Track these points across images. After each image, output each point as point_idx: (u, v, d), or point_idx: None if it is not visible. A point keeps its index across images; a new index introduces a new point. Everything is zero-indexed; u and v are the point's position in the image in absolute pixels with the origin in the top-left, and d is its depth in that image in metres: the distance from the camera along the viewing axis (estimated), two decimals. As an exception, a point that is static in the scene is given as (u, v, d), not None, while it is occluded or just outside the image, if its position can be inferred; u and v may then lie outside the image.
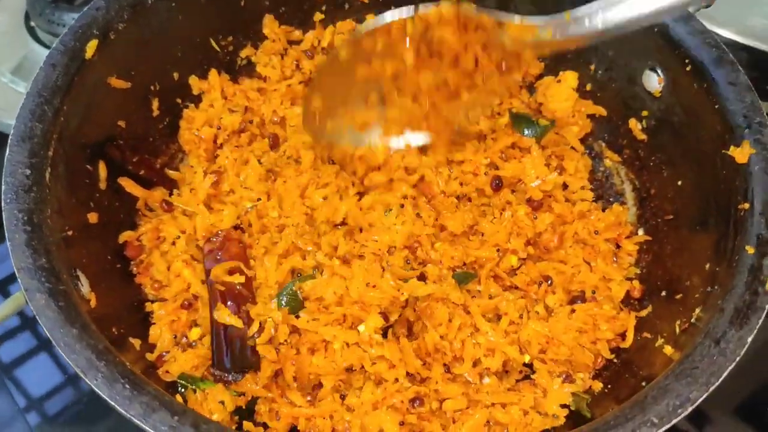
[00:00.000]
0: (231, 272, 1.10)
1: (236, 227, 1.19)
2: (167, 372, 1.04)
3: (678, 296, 1.10)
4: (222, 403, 1.00)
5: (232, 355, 1.05)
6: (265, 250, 1.15)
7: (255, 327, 1.07)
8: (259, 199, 1.20)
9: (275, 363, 1.06)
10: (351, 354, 1.05)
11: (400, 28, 1.07)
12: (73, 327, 0.85)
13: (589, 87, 1.36)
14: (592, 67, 1.33)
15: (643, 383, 0.95)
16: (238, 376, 1.06)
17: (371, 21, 1.10)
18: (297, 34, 1.42)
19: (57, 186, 1.01)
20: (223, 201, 1.22)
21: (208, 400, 1.00)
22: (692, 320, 1.01)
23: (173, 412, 0.80)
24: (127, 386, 0.81)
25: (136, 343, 1.05)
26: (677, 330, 1.03)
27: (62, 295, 0.89)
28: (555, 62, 1.38)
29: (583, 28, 0.98)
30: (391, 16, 1.06)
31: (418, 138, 1.18)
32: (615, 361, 1.12)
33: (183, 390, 1.03)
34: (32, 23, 1.63)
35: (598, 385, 1.09)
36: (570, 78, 1.34)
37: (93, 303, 0.98)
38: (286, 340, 1.07)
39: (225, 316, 1.06)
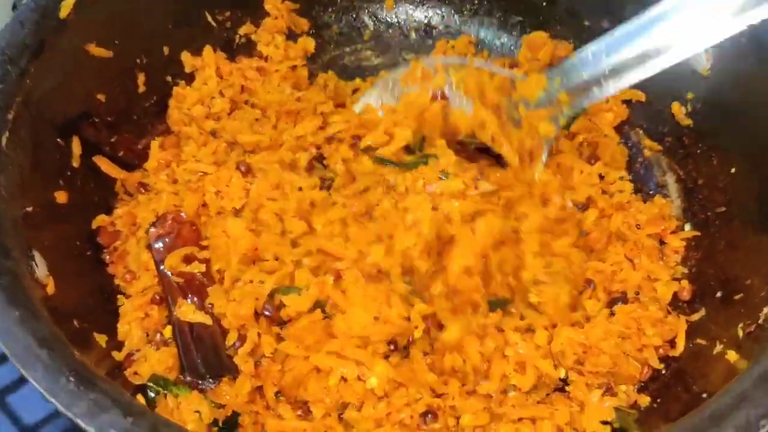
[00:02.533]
0: (187, 260, 0.95)
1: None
2: (136, 374, 0.89)
3: (737, 296, 0.95)
4: (198, 413, 0.85)
5: (205, 357, 0.89)
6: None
7: (233, 336, 0.92)
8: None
9: (255, 378, 0.90)
10: (349, 390, 0.89)
11: None
12: (16, 309, 0.71)
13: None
14: (629, 46, 1.19)
15: (704, 395, 0.80)
16: (216, 382, 0.90)
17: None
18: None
19: (18, 154, 0.89)
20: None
21: (181, 409, 0.84)
22: (759, 321, 0.86)
23: (127, 413, 0.64)
24: (72, 380, 0.66)
25: (102, 339, 0.90)
26: (741, 333, 0.88)
27: (8, 273, 0.75)
28: (584, 42, 1.24)
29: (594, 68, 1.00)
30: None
31: None
32: (663, 372, 0.96)
33: (154, 395, 0.87)
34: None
35: (644, 399, 0.93)
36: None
37: (51, 289, 0.84)
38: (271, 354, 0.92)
39: (189, 313, 0.91)
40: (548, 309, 0.98)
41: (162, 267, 0.94)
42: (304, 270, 0.94)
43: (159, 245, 0.96)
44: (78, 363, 0.69)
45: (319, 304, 0.93)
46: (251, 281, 0.94)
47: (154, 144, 1.10)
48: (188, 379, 0.89)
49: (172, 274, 0.93)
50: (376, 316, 0.89)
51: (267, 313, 0.92)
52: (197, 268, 0.94)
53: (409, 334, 0.92)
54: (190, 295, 0.92)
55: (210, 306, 0.92)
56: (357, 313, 0.89)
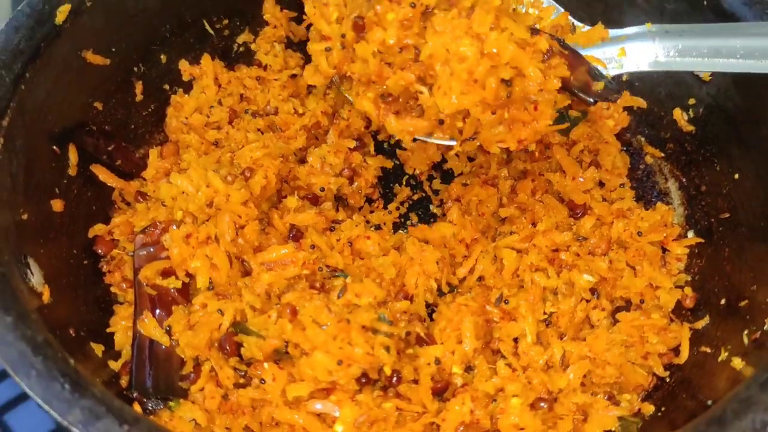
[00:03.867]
0: (165, 274, 0.93)
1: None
2: (131, 383, 0.87)
3: (742, 303, 0.93)
4: (194, 421, 0.83)
5: (156, 377, 0.87)
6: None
7: (189, 366, 0.90)
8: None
9: (223, 414, 0.88)
10: None
11: None
12: (7, 315, 0.69)
13: (625, 77, 1.21)
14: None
15: (709, 403, 0.78)
16: (159, 404, 0.88)
17: None
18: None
19: (12, 161, 0.88)
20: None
21: (176, 418, 0.83)
22: (765, 327, 0.85)
23: (122, 420, 0.63)
24: (67, 386, 0.65)
25: (98, 348, 0.89)
26: (746, 340, 0.86)
27: None
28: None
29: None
30: None
31: None
32: (668, 380, 0.94)
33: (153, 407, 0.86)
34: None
35: (648, 408, 0.91)
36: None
37: (46, 297, 0.83)
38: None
39: (151, 328, 0.89)
40: (562, 321, 0.97)
41: (138, 275, 0.92)
42: (263, 318, 0.90)
43: (142, 253, 0.94)
44: (72, 370, 0.67)
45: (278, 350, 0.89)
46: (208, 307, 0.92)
47: (153, 153, 1.09)
48: (134, 394, 0.87)
49: (146, 285, 0.91)
50: (339, 359, 0.85)
51: (225, 348, 0.89)
52: (172, 283, 0.92)
53: (379, 366, 0.88)
54: (158, 310, 0.90)
55: (168, 328, 0.90)
56: (320, 357, 0.84)
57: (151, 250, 0.94)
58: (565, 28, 1.04)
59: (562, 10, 1.06)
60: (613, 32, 1.02)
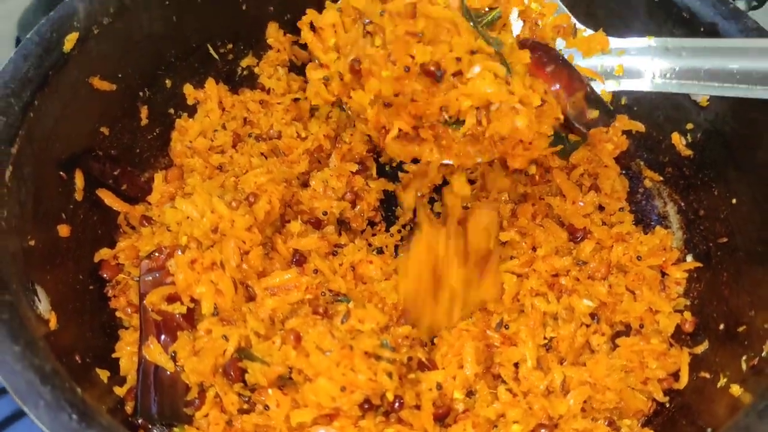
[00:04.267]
0: (171, 299, 0.93)
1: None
2: (137, 409, 0.88)
3: (740, 329, 0.94)
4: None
5: (161, 403, 0.88)
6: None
7: (194, 392, 0.90)
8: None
9: None
10: None
11: None
12: (16, 344, 0.70)
13: (624, 101, 1.22)
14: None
15: (709, 430, 0.79)
16: (164, 430, 0.89)
17: None
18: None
19: (20, 188, 0.89)
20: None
21: (183, 444, 0.84)
22: (763, 354, 0.85)
23: (129, 451, 0.64)
24: (75, 416, 0.66)
25: (104, 374, 0.90)
26: (744, 367, 0.87)
27: (7, 306, 0.75)
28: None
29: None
30: None
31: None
32: (668, 405, 0.95)
33: (156, 432, 0.87)
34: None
35: (649, 434, 0.92)
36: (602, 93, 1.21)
37: (53, 324, 0.84)
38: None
39: (156, 354, 0.90)
40: (562, 346, 0.98)
41: (144, 301, 0.93)
42: (267, 344, 0.91)
43: (148, 278, 0.95)
44: (80, 400, 0.68)
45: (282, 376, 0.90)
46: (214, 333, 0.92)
47: (158, 177, 1.10)
48: (139, 420, 0.88)
49: (151, 310, 0.92)
50: (343, 386, 0.86)
51: (230, 374, 0.90)
52: (178, 309, 0.93)
53: (381, 392, 0.89)
54: (163, 335, 0.91)
55: (174, 354, 0.91)
56: (323, 383, 0.86)
57: (157, 275, 0.94)
58: (567, 30, 1.03)
59: (566, 9, 1.06)
60: (614, 43, 1.02)
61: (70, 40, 0.97)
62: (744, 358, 0.88)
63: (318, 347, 0.87)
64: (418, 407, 0.92)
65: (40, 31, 0.97)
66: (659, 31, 1.10)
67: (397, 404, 0.90)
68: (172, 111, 1.20)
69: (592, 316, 1.02)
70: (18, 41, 1.54)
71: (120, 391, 0.91)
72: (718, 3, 1.04)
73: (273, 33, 1.27)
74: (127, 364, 0.93)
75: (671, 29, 1.09)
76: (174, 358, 0.90)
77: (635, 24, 1.13)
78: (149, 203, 1.10)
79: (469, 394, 0.97)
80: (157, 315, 0.92)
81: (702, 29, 1.04)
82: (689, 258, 1.11)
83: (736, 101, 1.05)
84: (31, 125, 0.92)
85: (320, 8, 1.13)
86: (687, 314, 1.04)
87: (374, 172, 1.22)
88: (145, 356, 0.90)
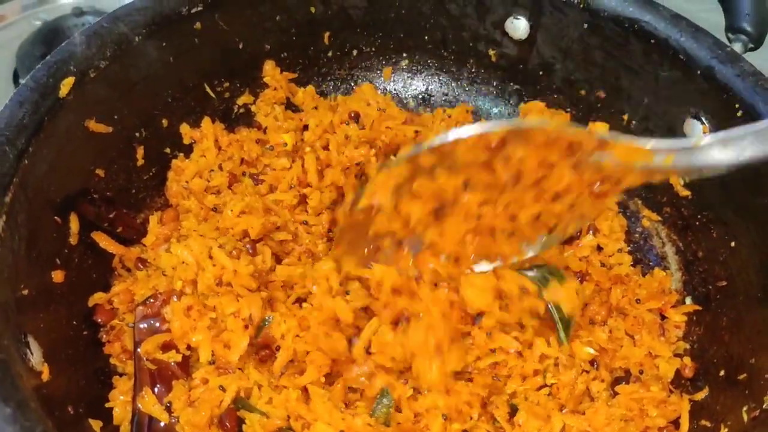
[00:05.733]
0: (166, 347, 0.92)
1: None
2: (130, 461, 0.87)
3: (741, 377, 0.93)
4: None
5: None
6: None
7: None
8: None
9: None
10: None
11: (470, 146, 0.86)
12: (7, 405, 0.69)
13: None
14: (626, 116, 1.20)
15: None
16: None
17: (434, 139, 0.88)
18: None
19: (14, 238, 0.87)
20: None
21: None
22: (764, 406, 0.84)
23: None
24: (66, 483, 0.64)
25: (96, 425, 0.88)
26: (745, 417, 0.86)
27: (-1, 365, 0.73)
28: (583, 112, 1.25)
29: (713, 159, 0.81)
30: (458, 134, 0.86)
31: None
32: (668, 455, 0.94)
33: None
34: (21, 81, 1.52)
35: (648, 485, 0.91)
36: (600, 128, 1.20)
37: (45, 376, 0.83)
38: None
39: (150, 405, 0.88)
40: (563, 393, 0.97)
41: (138, 349, 0.92)
42: (267, 389, 0.91)
43: (143, 326, 0.94)
44: (70, 464, 0.67)
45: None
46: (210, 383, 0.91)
47: (153, 219, 1.10)
48: None
49: (146, 359, 0.91)
50: (341, 430, 0.86)
51: (225, 425, 0.89)
52: (173, 357, 0.92)
53: None
54: (158, 385, 0.90)
55: (169, 404, 0.89)
56: (322, 429, 0.86)
57: (152, 322, 0.93)
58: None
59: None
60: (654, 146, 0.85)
61: (66, 85, 0.97)
62: (745, 408, 0.87)
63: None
64: None
65: (35, 76, 0.96)
66: (655, 72, 1.10)
67: None
68: (168, 150, 1.19)
69: (592, 362, 1.01)
70: (16, 73, 1.54)
71: (113, 442, 0.89)
72: (714, 46, 1.04)
73: (270, 71, 1.27)
74: (121, 414, 0.92)
75: (668, 71, 1.09)
76: (169, 409, 0.89)
77: (632, 63, 1.13)
78: (145, 245, 1.09)
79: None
80: (151, 364, 0.91)
81: (699, 72, 1.04)
82: (688, 300, 1.11)
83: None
84: (26, 172, 0.90)
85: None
86: (687, 359, 1.03)
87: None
88: (139, 407, 0.89)
